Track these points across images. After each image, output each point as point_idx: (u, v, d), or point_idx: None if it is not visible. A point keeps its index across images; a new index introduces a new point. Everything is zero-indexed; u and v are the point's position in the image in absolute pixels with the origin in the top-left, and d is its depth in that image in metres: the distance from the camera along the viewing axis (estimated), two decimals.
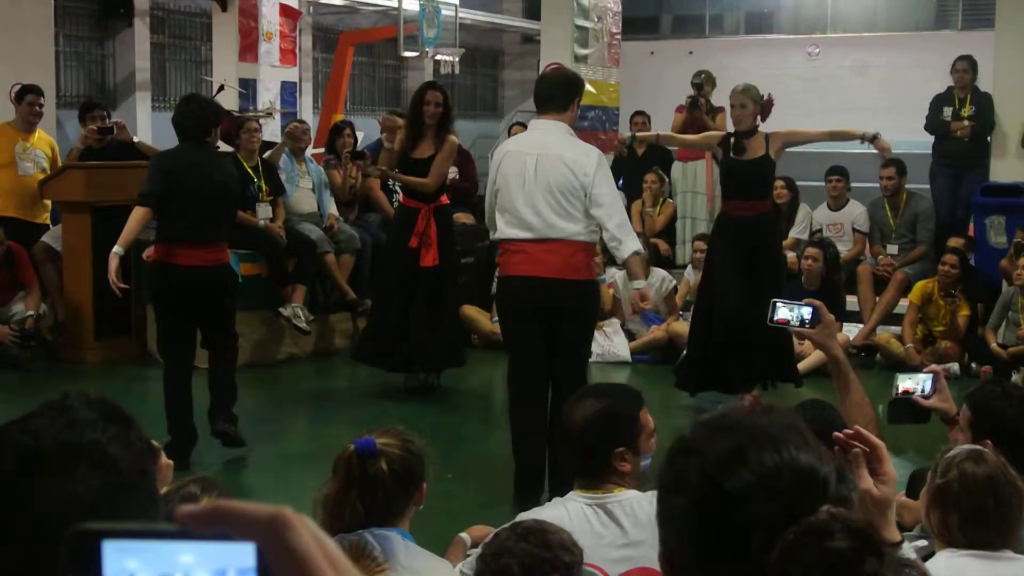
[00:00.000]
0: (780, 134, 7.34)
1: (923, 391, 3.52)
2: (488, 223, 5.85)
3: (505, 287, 5.75)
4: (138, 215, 6.13)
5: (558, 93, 5.59)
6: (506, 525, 2.67)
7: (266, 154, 8.88)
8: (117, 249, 6.06)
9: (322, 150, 10.32)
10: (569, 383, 5.31)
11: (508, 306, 5.80)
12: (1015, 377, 7.78)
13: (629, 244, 5.52)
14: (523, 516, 3.05)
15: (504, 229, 5.60)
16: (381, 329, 7.77)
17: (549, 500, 3.35)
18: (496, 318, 9.57)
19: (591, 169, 5.46)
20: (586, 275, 5.63)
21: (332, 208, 9.26)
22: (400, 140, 7.79)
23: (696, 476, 1.26)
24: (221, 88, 10.48)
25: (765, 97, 7.31)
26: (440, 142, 7.53)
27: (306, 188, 9.06)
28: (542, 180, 5.46)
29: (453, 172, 10.23)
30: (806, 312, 3.16)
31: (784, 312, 3.19)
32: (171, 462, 2.71)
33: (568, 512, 3.05)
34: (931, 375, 3.57)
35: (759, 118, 7.33)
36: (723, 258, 7.34)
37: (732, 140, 7.32)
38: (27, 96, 9.14)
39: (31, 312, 8.47)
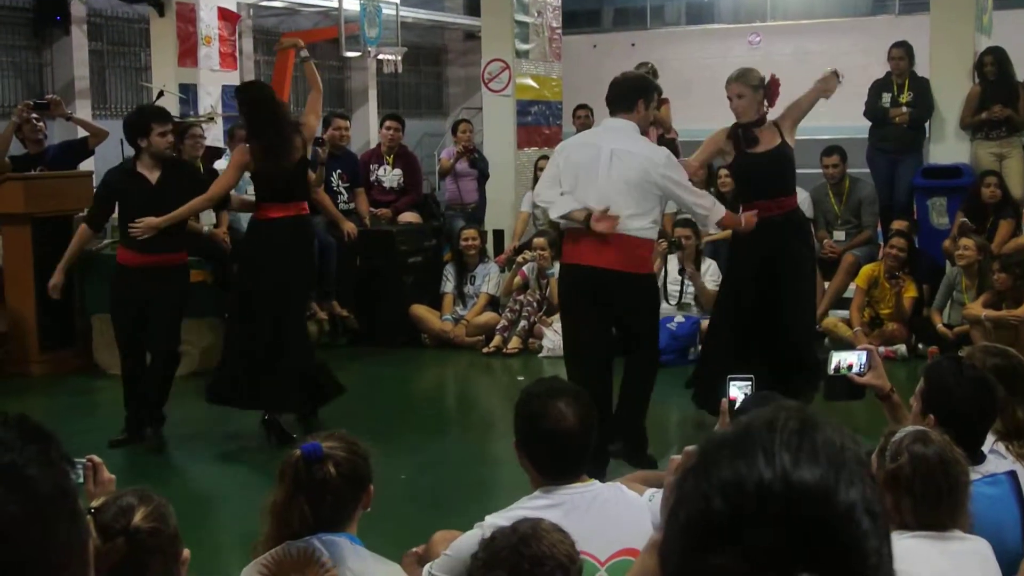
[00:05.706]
0: (785, 115, 6.63)
1: (858, 368, 3.56)
2: (545, 204, 5.94)
3: (568, 275, 5.89)
4: None
5: (624, 94, 5.88)
6: (504, 527, 2.55)
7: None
8: None
9: None
10: (644, 375, 5.83)
11: (569, 294, 5.92)
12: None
13: (715, 211, 5.95)
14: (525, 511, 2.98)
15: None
16: None
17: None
18: (446, 316, 9.59)
19: (662, 168, 5.72)
20: (647, 269, 5.93)
21: None
22: None
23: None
24: (160, 94, 10.35)
25: (767, 79, 6.59)
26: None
27: (247, 193, 8.97)
28: (616, 175, 5.67)
29: (398, 175, 10.20)
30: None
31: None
32: (113, 476, 2.70)
33: (570, 507, 3.01)
34: (865, 352, 3.61)
35: (765, 104, 6.56)
36: (747, 269, 6.60)
37: (741, 132, 6.55)
38: None
39: None
